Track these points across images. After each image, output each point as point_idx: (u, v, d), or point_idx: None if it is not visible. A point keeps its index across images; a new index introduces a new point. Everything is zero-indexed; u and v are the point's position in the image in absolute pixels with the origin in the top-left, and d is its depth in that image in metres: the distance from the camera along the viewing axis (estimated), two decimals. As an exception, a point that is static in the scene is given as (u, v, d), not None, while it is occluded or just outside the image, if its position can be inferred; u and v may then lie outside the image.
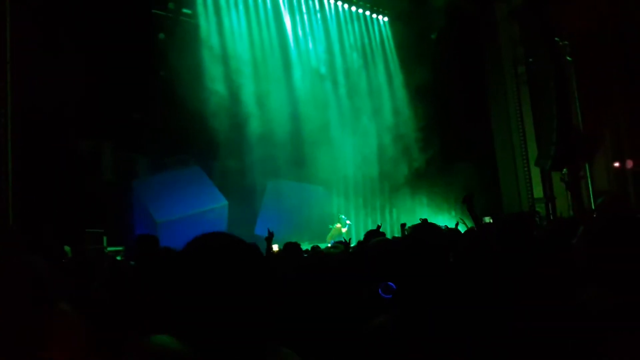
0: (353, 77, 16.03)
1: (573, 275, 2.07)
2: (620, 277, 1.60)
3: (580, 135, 14.31)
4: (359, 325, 2.03)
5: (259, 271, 1.19)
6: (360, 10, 16.92)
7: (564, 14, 13.74)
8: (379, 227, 7.75)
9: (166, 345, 1.09)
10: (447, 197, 16.11)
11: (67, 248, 4.83)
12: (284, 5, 14.95)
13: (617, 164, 13.79)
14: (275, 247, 6.80)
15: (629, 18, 13.12)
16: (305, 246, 10.91)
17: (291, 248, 4.50)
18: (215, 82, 12.60)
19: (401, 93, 16.58)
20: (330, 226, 14.01)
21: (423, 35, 16.01)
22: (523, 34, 16.15)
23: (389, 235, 5.42)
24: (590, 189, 14.27)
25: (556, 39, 14.40)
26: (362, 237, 10.05)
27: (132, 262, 4.03)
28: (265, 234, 5.23)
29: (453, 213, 16.18)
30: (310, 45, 15.35)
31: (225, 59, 13.16)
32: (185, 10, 13.15)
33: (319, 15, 15.76)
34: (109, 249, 9.53)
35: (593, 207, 13.05)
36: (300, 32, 15.18)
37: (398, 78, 16.76)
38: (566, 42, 14.68)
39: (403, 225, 5.61)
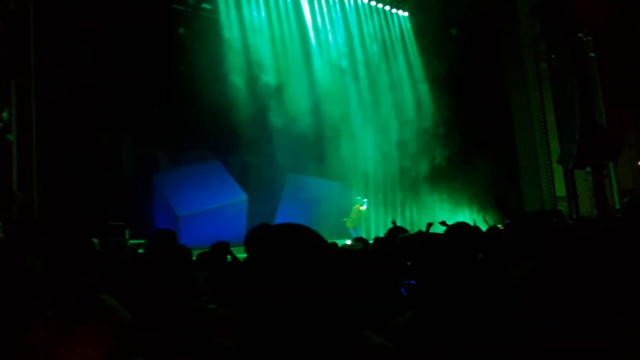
0: (373, 71, 15.93)
1: (593, 275, 2.05)
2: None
3: (603, 133, 14.09)
4: (382, 322, 2.03)
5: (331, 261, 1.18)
6: (380, 5, 16.81)
7: (587, 9, 13.52)
8: (393, 222, 7.74)
9: None
10: (467, 194, 15.97)
11: (95, 240, 4.90)
12: (303, -2, 14.93)
13: (642, 163, 13.56)
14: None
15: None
16: (324, 242, 10.93)
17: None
18: (234, 76, 12.63)
19: (421, 88, 16.44)
20: (353, 208, 13.95)
21: (443, 31, 15.85)
22: (545, 30, 15.92)
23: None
24: (615, 188, 14.04)
25: (579, 34, 14.17)
26: (380, 234, 10.00)
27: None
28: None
29: (475, 210, 16.06)
30: (331, 38, 15.30)
31: (244, 53, 13.17)
32: (204, 5, 13.22)
33: (338, 8, 15.71)
34: (131, 241, 9.63)
35: (617, 206, 12.85)
36: (320, 26, 15.13)
37: (419, 73, 16.63)
38: (589, 38, 14.45)
39: (429, 225, 5.57)
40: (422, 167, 15.61)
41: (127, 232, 9.81)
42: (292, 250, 1.12)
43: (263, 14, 14.08)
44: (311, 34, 14.90)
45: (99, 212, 9.40)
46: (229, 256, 4.30)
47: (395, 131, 15.46)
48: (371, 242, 5.66)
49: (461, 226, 2.94)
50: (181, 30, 12.29)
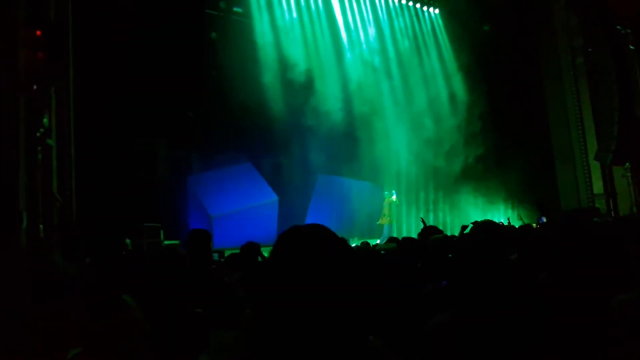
0: (405, 67, 15.78)
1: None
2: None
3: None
4: (419, 322, 2.03)
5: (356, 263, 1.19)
6: (411, 3, 16.68)
7: (625, 1, 13.12)
8: (422, 220, 7.68)
9: None
10: (501, 192, 15.71)
11: (127, 241, 5.05)
12: (335, -2, 14.94)
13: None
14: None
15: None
16: (355, 242, 10.94)
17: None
18: (266, 77, 12.75)
19: (455, 82, 16.22)
20: (384, 204, 13.90)
21: (475, 27, 15.62)
22: (581, 23, 15.53)
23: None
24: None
25: (617, 27, 13.76)
26: (412, 235, 9.93)
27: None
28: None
29: (510, 208, 15.80)
30: (362, 36, 15.26)
31: (276, 53, 13.29)
32: (236, 9, 13.37)
33: (369, 6, 15.66)
34: (166, 242, 9.84)
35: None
36: (352, 25, 15.12)
37: (452, 67, 16.40)
38: (628, 31, 14.01)
39: (464, 227, 5.49)
40: (456, 165, 15.39)
41: (162, 233, 10.02)
42: (308, 253, 1.13)
43: (295, 14, 14.18)
44: (342, 32, 14.90)
45: (135, 214, 9.61)
46: (259, 257, 4.35)
47: (429, 129, 15.25)
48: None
49: (486, 225, 2.87)
50: (213, 35, 12.48)
